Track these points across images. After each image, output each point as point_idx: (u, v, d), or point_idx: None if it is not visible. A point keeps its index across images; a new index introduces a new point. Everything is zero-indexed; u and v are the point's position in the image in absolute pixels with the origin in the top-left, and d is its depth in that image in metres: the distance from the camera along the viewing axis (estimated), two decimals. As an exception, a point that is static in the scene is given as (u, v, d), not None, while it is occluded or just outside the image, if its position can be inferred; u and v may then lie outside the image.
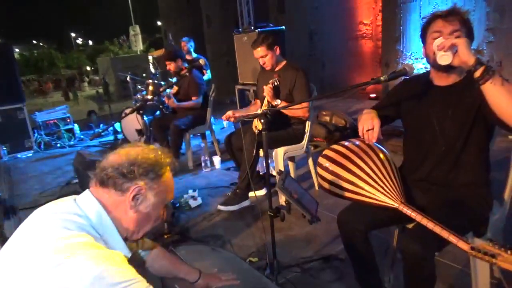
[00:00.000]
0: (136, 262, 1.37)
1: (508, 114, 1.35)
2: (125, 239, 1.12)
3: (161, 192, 1.11)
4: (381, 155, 1.71)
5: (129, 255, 1.11)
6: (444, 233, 1.34)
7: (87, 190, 1.09)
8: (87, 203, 1.04)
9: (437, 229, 1.36)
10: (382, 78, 1.42)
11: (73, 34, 45.76)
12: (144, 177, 1.07)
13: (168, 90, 4.23)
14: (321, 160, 1.82)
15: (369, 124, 1.62)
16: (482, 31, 5.06)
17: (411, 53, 6.02)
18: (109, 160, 1.08)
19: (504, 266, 1.14)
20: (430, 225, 1.38)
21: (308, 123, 3.19)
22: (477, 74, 1.35)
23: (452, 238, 1.31)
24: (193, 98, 4.22)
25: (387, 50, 6.31)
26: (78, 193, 1.14)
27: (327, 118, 4.74)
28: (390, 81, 1.46)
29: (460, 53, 1.39)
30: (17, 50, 33.44)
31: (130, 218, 1.09)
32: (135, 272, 0.95)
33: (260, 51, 3.07)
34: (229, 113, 3.07)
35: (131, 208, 1.07)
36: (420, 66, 5.97)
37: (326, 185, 1.78)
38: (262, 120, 1.91)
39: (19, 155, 5.88)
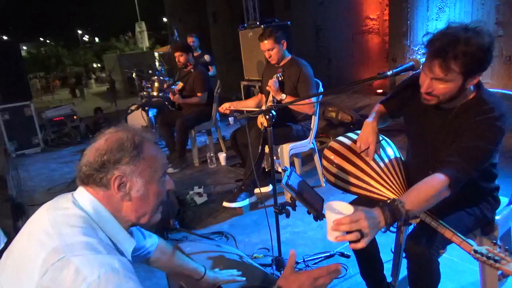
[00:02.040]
0: (142, 258, 1.37)
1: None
2: (133, 225, 1.10)
3: (145, 169, 1.03)
4: (388, 150, 1.69)
5: (133, 245, 1.09)
6: (448, 233, 1.32)
7: (79, 187, 1.05)
8: (83, 198, 1.02)
9: (441, 229, 1.34)
10: (388, 73, 1.40)
11: (79, 31, 45.96)
12: (119, 164, 1.00)
13: (173, 87, 4.23)
14: (326, 152, 1.81)
15: (364, 143, 1.61)
16: (491, 25, 4.98)
17: (418, 48, 5.95)
18: (84, 158, 1.04)
19: (507, 271, 1.12)
20: (434, 224, 1.36)
21: (313, 119, 3.17)
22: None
23: (456, 239, 1.29)
24: (199, 94, 4.21)
25: (394, 45, 6.26)
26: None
27: (333, 114, 4.71)
28: (397, 75, 1.44)
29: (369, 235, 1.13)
30: (24, 47, 33.67)
31: (127, 207, 1.04)
32: (135, 280, 0.91)
33: (267, 43, 3.05)
34: (226, 105, 3.05)
35: (123, 198, 1.03)
36: (427, 61, 5.89)
37: (331, 178, 1.77)
38: (267, 117, 1.89)
39: (26, 152, 5.93)
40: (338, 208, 1.14)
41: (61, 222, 0.95)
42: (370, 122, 1.67)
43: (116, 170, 1.00)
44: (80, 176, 1.03)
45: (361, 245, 1.12)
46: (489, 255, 1.15)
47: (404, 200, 1.23)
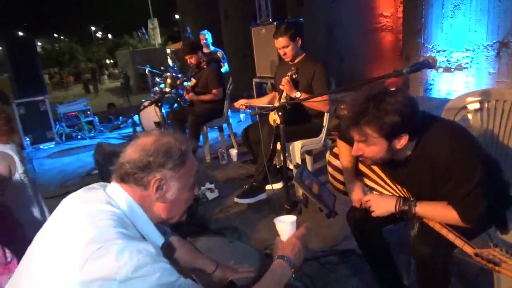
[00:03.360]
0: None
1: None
2: (161, 224, 1.16)
3: (183, 176, 1.10)
4: None
5: (162, 241, 1.14)
6: (451, 236, 1.32)
7: (114, 182, 1.10)
8: (117, 194, 1.06)
9: (444, 231, 1.34)
10: (404, 70, 1.39)
11: (93, 28, 46.39)
12: (162, 167, 1.06)
13: (185, 84, 4.25)
14: (331, 159, 1.80)
15: (357, 203, 1.66)
16: (508, 23, 4.89)
17: (432, 46, 5.87)
18: (126, 155, 1.08)
19: (507, 274, 1.11)
20: (437, 227, 1.37)
21: (326, 117, 3.16)
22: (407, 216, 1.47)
23: (458, 242, 1.30)
24: (214, 91, 4.21)
25: (408, 42, 6.18)
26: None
27: (346, 112, 4.68)
28: (413, 73, 1.42)
29: (376, 212, 1.52)
30: (39, 43, 34.13)
31: (159, 207, 1.10)
32: (167, 263, 0.97)
33: (282, 41, 3.03)
34: (242, 101, 3.05)
35: (158, 199, 1.09)
36: (442, 59, 5.82)
37: (339, 186, 1.77)
38: (280, 113, 1.89)
39: (41, 146, 6.03)
40: (285, 220, 1.35)
41: (95, 216, 0.98)
42: (353, 182, 1.70)
43: (158, 173, 1.06)
44: (120, 172, 1.07)
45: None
46: (490, 257, 1.14)
47: (418, 204, 1.43)
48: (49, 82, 19.79)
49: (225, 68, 5.93)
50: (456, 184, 1.32)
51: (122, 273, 0.88)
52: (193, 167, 1.14)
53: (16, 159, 2.17)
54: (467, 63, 5.56)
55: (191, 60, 4.23)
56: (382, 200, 1.52)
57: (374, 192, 1.59)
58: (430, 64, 1.40)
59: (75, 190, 1.15)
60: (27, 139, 5.93)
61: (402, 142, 1.33)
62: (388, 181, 1.62)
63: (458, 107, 1.77)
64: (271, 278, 1.17)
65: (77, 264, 0.89)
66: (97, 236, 0.92)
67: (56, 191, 3.99)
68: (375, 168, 1.63)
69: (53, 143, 6.14)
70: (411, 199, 1.45)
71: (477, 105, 1.73)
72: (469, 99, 1.76)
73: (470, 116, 1.76)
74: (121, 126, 6.68)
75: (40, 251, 1.00)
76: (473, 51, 5.40)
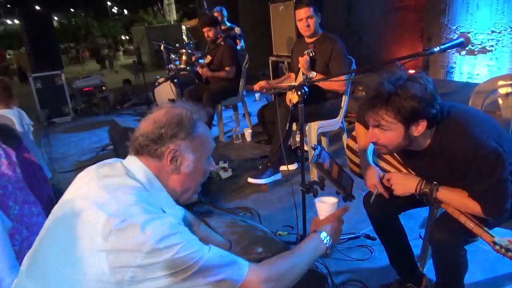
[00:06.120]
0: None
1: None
2: (176, 200, 1.14)
3: (197, 146, 1.09)
4: None
5: (182, 213, 1.15)
6: (469, 224, 1.29)
7: (130, 156, 1.10)
8: (135, 167, 1.06)
9: (463, 219, 1.32)
10: (435, 49, 1.30)
11: (108, 3, 46.12)
12: (175, 138, 1.05)
13: (201, 61, 4.19)
14: (349, 142, 1.76)
15: (372, 188, 1.62)
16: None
17: (456, 27, 5.66)
18: (140, 129, 1.09)
19: None
20: (456, 213, 1.34)
21: (344, 98, 3.08)
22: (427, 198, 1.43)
23: (477, 230, 1.27)
24: (227, 68, 4.16)
25: (430, 23, 5.97)
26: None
27: (363, 93, 4.58)
28: (444, 52, 1.34)
29: (397, 191, 1.49)
30: (55, 18, 34.10)
31: (174, 180, 1.10)
32: (189, 233, 0.98)
33: (307, 11, 2.93)
34: (262, 82, 3.00)
35: (173, 171, 1.08)
36: (466, 41, 5.59)
37: (355, 168, 1.73)
38: (299, 93, 1.84)
39: (57, 121, 6.09)
40: (326, 201, 1.37)
41: (116, 190, 0.99)
42: (369, 167, 1.65)
43: (171, 144, 1.06)
44: (134, 146, 1.08)
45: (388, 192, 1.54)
46: (509, 247, 1.12)
47: (440, 189, 1.39)
48: (66, 56, 19.87)
49: (241, 45, 5.82)
50: (475, 179, 1.29)
51: (147, 245, 0.89)
52: (207, 139, 1.13)
53: (16, 121, 2.24)
54: (492, 46, 5.35)
55: (209, 33, 4.16)
56: (405, 179, 1.48)
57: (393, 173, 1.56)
58: (464, 43, 1.31)
59: (90, 165, 1.14)
60: (44, 113, 5.98)
61: (419, 129, 1.29)
62: (404, 170, 1.59)
63: (488, 90, 1.69)
64: (304, 249, 1.17)
65: (101, 236, 0.90)
66: (120, 209, 0.93)
67: (71, 165, 4.04)
68: (391, 158, 1.60)
69: (69, 117, 6.19)
70: (434, 182, 1.41)
71: (508, 89, 1.65)
72: (500, 82, 1.68)
73: (500, 100, 1.68)
74: (136, 102, 6.69)
75: (61, 224, 1.00)
76: (499, 33, 5.19)
